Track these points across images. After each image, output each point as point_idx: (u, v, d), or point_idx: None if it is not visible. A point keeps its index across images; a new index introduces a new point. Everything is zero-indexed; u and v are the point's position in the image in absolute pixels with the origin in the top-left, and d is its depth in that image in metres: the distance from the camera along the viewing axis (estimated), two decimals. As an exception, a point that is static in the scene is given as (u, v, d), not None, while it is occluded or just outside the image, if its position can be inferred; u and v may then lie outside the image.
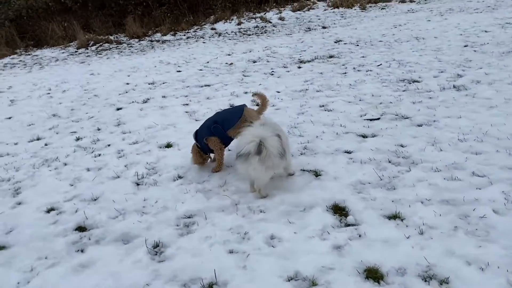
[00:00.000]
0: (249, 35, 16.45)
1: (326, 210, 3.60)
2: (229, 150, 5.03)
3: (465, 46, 9.67)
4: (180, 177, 4.69)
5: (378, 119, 5.62)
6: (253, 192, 4.06)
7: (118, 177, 4.90)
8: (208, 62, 11.78)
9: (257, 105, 6.76)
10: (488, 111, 5.37)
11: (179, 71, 10.93)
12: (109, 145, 5.97)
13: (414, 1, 20.61)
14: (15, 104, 9.09)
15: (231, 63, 11.19)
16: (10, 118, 8.03)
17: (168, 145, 5.66)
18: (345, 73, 8.44)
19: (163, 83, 9.73)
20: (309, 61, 10.18)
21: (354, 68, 8.76)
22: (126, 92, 9.17)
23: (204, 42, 15.59)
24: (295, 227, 3.42)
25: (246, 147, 3.64)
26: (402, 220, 3.32)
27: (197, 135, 4.78)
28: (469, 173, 3.89)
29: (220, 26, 18.66)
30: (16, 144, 6.44)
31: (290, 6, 21.10)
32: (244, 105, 4.79)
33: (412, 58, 8.98)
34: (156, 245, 3.44)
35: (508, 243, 2.96)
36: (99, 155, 5.62)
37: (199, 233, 3.53)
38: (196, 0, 20.30)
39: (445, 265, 2.83)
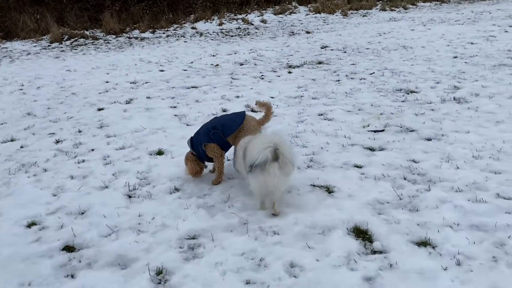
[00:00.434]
0: (232, 36, 16.07)
1: (347, 233, 3.28)
2: (228, 160, 4.65)
3: (454, 57, 9.62)
4: (177, 189, 4.27)
5: (383, 130, 5.37)
6: (263, 210, 3.70)
7: (107, 187, 4.44)
8: (192, 62, 11.35)
9: (253, 110, 6.44)
10: (496, 126, 5.20)
11: (162, 71, 10.46)
12: (93, 150, 5.48)
13: (395, 10, 20.74)
14: (-16, 100, 8.41)
15: (217, 65, 10.80)
16: (-21, 115, 7.39)
17: (160, 152, 5.23)
18: (338, 80, 8.19)
19: (146, 82, 9.25)
20: (298, 66, 9.90)
21: (346, 75, 8.53)
22: (107, 91, 8.65)
23: (185, 41, 15.12)
24: (316, 253, 3.08)
25: (262, 155, 3.30)
26: (433, 247, 3.04)
27: (193, 142, 4.39)
28: (494, 195, 3.66)
29: (201, 25, 18.21)
30: (-13, 145, 5.86)
31: (271, 9, 20.85)
32: (244, 112, 4.43)
33: (405, 68, 8.84)
34: (159, 272, 3.03)
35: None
36: (83, 161, 5.13)
37: (208, 257, 3.14)
38: (176, -2, 19.78)
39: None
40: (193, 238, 3.41)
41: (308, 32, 15.90)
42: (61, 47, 14.86)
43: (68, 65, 11.67)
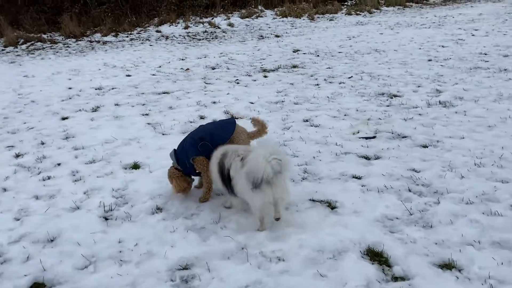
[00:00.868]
0: (199, 40, 15.59)
1: (361, 257, 2.94)
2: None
3: (429, 60, 9.57)
4: (159, 209, 3.81)
5: (374, 137, 5.10)
6: (262, 230, 3.30)
7: (78, 208, 3.92)
8: (160, 67, 10.81)
9: (233, 117, 6.01)
10: (490, 131, 5.03)
11: (129, 76, 9.87)
12: (59, 164, 4.91)
13: (360, 14, 20.87)
14: None
15: (187, 69, 10.32)
16: None
17: (135, 166, 4.73)
18: (317, 84, 7.91)
19: (112, 88, 8.65)
20: (273, 70, 9.58)
21: (325, 79, 8.27)
22: (70, 98, 8.01)
23: (151, 45, 14.51)
24: (330, 282, 2.71)
25: (268, 168, 3.00)
26: (459, 270, 2.73)
27: (178, 155, 3.93)
28: (507, 206, 3.42)
29: (166, 29, 17.62)
30: None
31: (238, 12, 20.50)
32: (234, 120, 4.02)
33: (382, 71, 8.68)
34: (150, 313, 2.57)
35: None
36: (48, 177, 4.56)
37: (206, 292, 2.71)
38: (139, 1, 19.09)
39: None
40: (186, 269, 2.97)
41: (277, 36, 15.65)
42: (17, 51, 13.91)
43: (25, 70, 10.85)
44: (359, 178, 4.08)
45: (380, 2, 23.02)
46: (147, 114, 6.68)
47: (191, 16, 19.16)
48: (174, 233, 3.40)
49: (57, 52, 13.85)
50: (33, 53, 13.50)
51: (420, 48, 11.16)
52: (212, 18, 19.21)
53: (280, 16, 20.09)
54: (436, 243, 3.02)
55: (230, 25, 18.25)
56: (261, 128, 4.08)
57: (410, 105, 6.27)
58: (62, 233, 3.50)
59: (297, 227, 3.32)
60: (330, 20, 19.55)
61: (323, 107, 6.43)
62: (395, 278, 2.72)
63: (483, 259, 2.81)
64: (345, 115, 6.00)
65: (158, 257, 3.11)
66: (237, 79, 8.81)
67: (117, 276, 2.93)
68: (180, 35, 16.46)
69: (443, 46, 11.21)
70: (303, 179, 4.15)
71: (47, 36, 15.64)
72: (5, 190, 4.34)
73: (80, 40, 15.69)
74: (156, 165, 4.69)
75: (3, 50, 14.22)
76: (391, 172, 4.14)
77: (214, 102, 7.10)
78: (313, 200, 3.72)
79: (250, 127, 4.08)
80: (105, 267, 3.03)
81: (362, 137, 5.11)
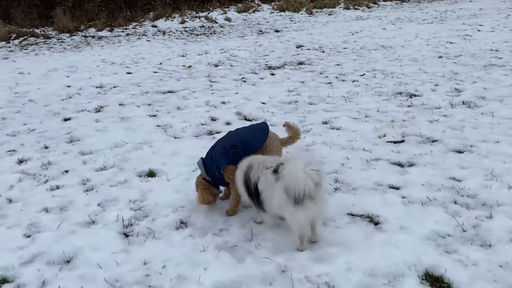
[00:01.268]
0: (198, 35, 15.19)
1: (420, 283, 2.64)
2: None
3: (439, 57, 9.31)
4: (183, 223, 3.48)
5: (403, 141, 4.81)
6: (303, 250, 3.00)
7: (93, 222, 3.58)
8: (161, 64, 10.43)
9: (246, 119, 5.67)
10: (525, 134, 4.77)
11: (130, 73, 9.48)
12: (66, 172, 4.56)
13: (358, 9, 20.56)
14: None
15: (190, 66, 9.95)
16: None
17: (151, 174, 4.39)
18: (330, 83, 7.61)
19: (114, 86, 8.27)
20: (279, 68, 9.25)
21: (336, 77, 7.96)
22: (70, 97, 7.62)
23: (148, 41, 14.08)
24: (393, 314, 2.41)
25: (309, 181, 2.73)
26: (536, 299, 2.45)
27: (207, 164, 3.60)
28: None
29: (162, 23, 17.16)
30: None
31: (234, 6, 20.06)
32: (266, 125, 3.70)
33: (394, 68, 8.39)
34: None
35: None
36: (57, 187, 4.20)
37: (253, 327, 2.39)
38: (133, -6, 18.58)
39: None
40: (225, 297, 2.65)
41: (277, 31, 15.31)
42: (9, 47, 13.40)
43: (20, 67, 10.39)
44: (397, 188, 3.78)
45: (378, -4, 22.71)
46: (155, 115, 6.33)
47: (186, 11, 18.70)
48: (204, 252, 3.08)
49: (51, 47, 13.37)
50: (27, 49, 13.00)
51: (427, 44, 10.89)
52: (209, 13, 18.78)
53: (277, 11, 19.71)
54: (501, 266, 2.74)
55: (228, 19, 17.84)
56: (294, 134, 3.79)
57: (432, 106, 5.99)
58: (79, 252, 3.17)
59: (341, 247, 3.02)
60: (329, 14, 19.23)
61: (341, 108, 6.13)
62: (465, 309, 2.43)
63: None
64: (366, 117, 5.71)
65: (191, 281, 2.79)
66: (243, 77, 8.47)
67: (148, 307, 2.60)
68: (177, 30, 16.02)
69: (451, 43, 10.95)
70: (336, 189, 3.85)
71: (40, 31, 15.11)
72: (10, 201, 3.98)
73: (74, 35, 15.20)
74: (173, 172, 4.35)
75: (-6, 45, 13.69)
76: (430, 182, 3.85)
77: (224, 103, 6.76)
78: (352, 215, 3.42)
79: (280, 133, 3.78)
80: (133, 296, 2.70)
81: (390, 141, 4.82)
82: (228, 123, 5.76)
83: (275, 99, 6.74)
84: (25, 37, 14.10)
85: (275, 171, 3.02)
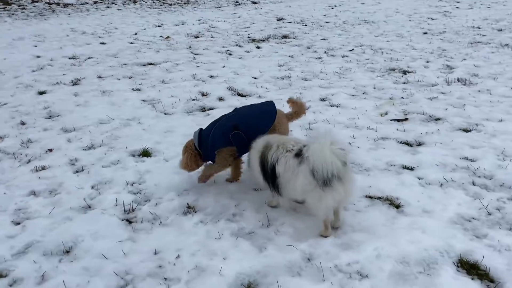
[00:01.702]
0: (171, 4, 14.54)
1: (456, 271, 2.51)
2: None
3: (424, 33, 9.24)
4: (190, 207, 3.22)
5: (406, 119, 4.67)
6: (327, 236, 2.81)
7: (90, 207, 3.26)
8: (136, 34, 9.88)
9: (239, 94, 5.37)
10: (527, 113, 4.73)
11: (104, 43, 8.93)
12: (50, 150, 4.17)
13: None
14: None
15: (168, 37, 9.46)
16: None
17: (146, 153, 4.07)
18: (320, 58, 7.38)
19: (89, 58, 7.76)
20: (263, 41, 8.93)
21: (325, 52, 7.74)
22: (41, 69, 7.07)
23: (119, 9, 13.37)
24: (436, 306, 2.27)
25: (338, 160, 2.55)
26: None
27: (203, 140, 3.32)
28: None
29: (132, -9, 16.31)
30: None
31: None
32: (274, 105, 3.43)
33: (382, 44, 8.24)
34: None
35: None
36: (43, 167, 3.83)
37: (289, 323, 2.20)
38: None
39: None
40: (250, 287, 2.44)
41: (254, 3, 14.88)
42: (-34, 12, 12.38)
43: (-20, 35, 9.60)
44: (411, 169, 3.64)
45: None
46: (138, 89, 5.93)
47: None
48: (220, 240, 2.84)
49: (12, 14, 12.46)
50: (-14, 15, 12.05)
51: (410, 20, 10.81)
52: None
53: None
54: (535, 251, 2.64)
55: (202, -11, 17.13)
56: (299, 109, 3.55)
57: (428, 82, 5.88)
58: (78, 241, 2.86)
59: (365, 232, 2.85)
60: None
61: (336, 84, 5.92)
62: (509, 299, 2.32)
63: None
64: (363, 93, 5.53)
65: (211, 273, 2.55)
66: (227, 50, 8.11)
67: (167, 303, 2.36)
68: (149, -1, 15.28)
69: (432, 19, 10.91)
70: (349, 170, 3.66)
71: (-1, -4, 14.04)
72: (-9, 184, 3.58)
73: (36, 1, 14.22)
74: (170, 152, 4.05)
75: (-52, 10, 12.62)
76: (443, 162, 3.72)
77: (212, 76, 6.42)
78: (370, 197, 3.25)
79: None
80: (148, 290, 2.45)
81: (394, 119, 4.67)
82: (221, 99, 5.46)
83: (266, 74, 6.46)
84: (-16, 2, 13.07)
85: (297, 154, 2.79)
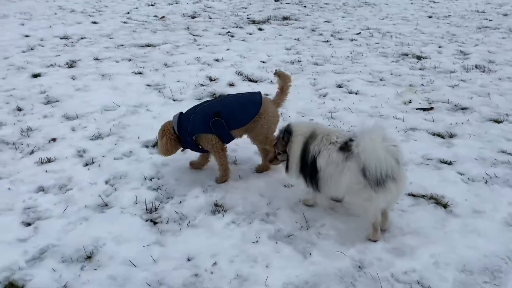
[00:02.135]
0: (162, -17, 13.90)
1: (526, 281, 2.29)
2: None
3: (429, 17, 8.99)
4: (219, 205, 2.93)
5: (432, 108, 4.43)
6: (376, 239, 2.56)
7: (106, 205, 2.93)
8: (128, 13, 9.37)
9: (251, 80, 5.02)
10: (555, 102, 4.54)
11: (95, 23, 8.41)
12: (54, 140, 3.80)
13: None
14: None
15: (163, 17, 8.99)
16: None
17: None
18: (327, 41, 7.07)
19: (82, 38, 7.27)
20: (263, 22, 8.56)
21: (332, 35, 7.43)
22: (32, 49, 6.58)
23: (108, -13, 12.69)
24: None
25: (392, 159, 2.33)
26: None
27: (182, 123, 3.09)
28: None
29: (120, -32, 15.56)
30: None
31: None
32: (260, 96, 3.15)
33: (389, 28, 7.97)
34: None
35: None
36: (48, 160, 3.47)
37: None
38: None
39: None
40: (304, 305, 2.17)
41: (248, -18, 14.32)
42: None
43: (-39, 11, 8.96)
44: (449, 163, 3.40)
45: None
46: (141, 73, 5.54)
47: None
48: (258, 244, 2.56)
49: (-6, -10, 11.70)
50: (-35, -10, 11.30)
51: (412, 3, 10.53)
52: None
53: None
54: None
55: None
56: (283, 84, 3.27)
57: (445, 69, 5.65)
58: (100, 245, 2.56)
59: (416, 235, 2.62)
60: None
61: (350, 69, 5.64)
62: None
63: None
64: (381, 80, 5.27)
65: (255, 283, 2.29)
66: (228, 32, 7.72)
67: (211, 322, 2.08)
68: (138, -24, 14.59)
69: (434, 2, 10.66)
70: (383, 164, 3.41)
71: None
72: (-7, 178, 3.22)
73: (19, -23, 13.40)
74: (185, 143, 3.71)
75: None
76: (481, 155, 3.50)
77: (217, 60, 6.06)
78: (413, 195, 3.01)
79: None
80: (187, 307, 2.17)
81: (419, 108, 4.43)
82: (231, 84, 5.13)
83: (275, 58, 6.12)
84: (-38, -24, 12.24)
85: (343, 148, 2.52)
